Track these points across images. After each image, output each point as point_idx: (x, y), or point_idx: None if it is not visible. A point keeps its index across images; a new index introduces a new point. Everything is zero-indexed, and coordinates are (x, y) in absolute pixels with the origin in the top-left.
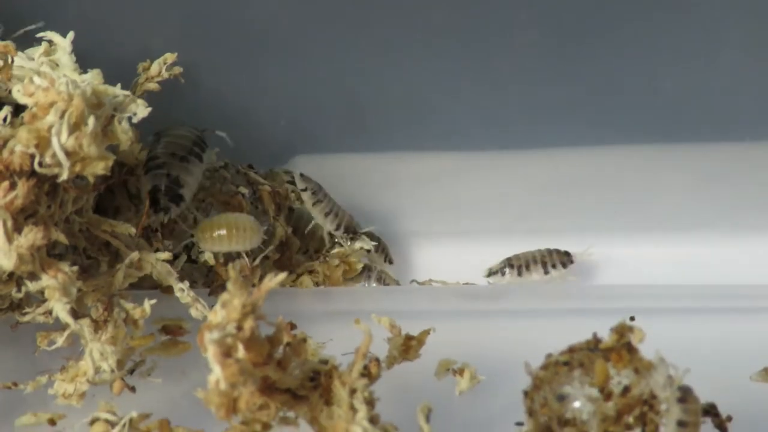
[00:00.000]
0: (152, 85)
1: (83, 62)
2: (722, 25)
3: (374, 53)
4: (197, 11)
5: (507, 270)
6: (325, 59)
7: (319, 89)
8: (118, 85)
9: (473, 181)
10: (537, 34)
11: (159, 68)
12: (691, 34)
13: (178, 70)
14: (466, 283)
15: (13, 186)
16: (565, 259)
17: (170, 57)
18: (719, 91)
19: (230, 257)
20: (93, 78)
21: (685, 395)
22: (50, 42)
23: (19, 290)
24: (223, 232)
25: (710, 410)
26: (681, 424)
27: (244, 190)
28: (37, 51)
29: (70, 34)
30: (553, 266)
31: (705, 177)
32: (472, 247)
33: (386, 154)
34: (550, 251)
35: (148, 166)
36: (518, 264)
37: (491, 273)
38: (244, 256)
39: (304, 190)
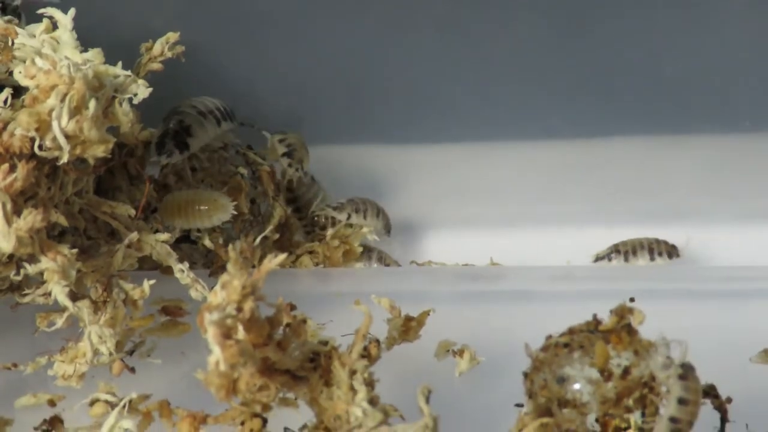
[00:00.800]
0: (155, 65)
1: (83, 40)
2: (726, 14)
3: (378, 42)
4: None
5: (614, 255)
6: (327, 48)
7: (322, 79)
8: (119, 64)
9: (477, 170)
10: (541, 23)
11: (162, 48)
12: (694, 22)
13: (180, 48)
14: (465, 264)
15: (12, 168)
16: (671, 250)
17: (172, 36)
18: (725, 79)
19: (230, 238)
20: (94, 57)
21: (687, 372)
22: (51, 18)
23: (18, 273)
24: (197, 207)
25: (710, 392)
26: (681, 401)
27: (243, 170)
28: (39, 28)
29: (71, 11)
30: (659, 254)
31: (710, 165)
32: (476, 237)
33: (389, 145)
34: (657, 240)
35: (167, 114)
36: (625, 250)
37: (598, 258)
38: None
39: (349, 216)
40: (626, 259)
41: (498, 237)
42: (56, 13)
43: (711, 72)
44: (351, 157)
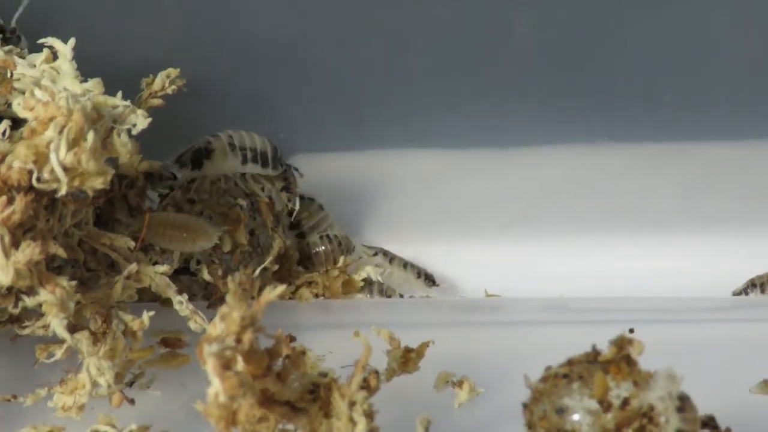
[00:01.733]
0: (156, 101)
1: (85, 71)
2: (718, 26)
3: (373, 53)
4: (198, 19)
5: (750, 289)
6: (324, 61)
7: (318, 90)
8: (119, 94)
9: (473, 179)
10: (534, 34)
11: (162, 83)
12: (687, 35)
13: (181, 82)
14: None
15: (10, 201)
16: None
17: (173, 72)
18: (717, 90)
19: (229, 270)
20: (93, 87)
21: (684, 404)
22: (51, 48)
23: (16, 306)
24: (182, 233)
25: (708, 423)
26: None
27: (242, 201)
28: (39, 58)
29: (71, 41)
30: None
31: (699, 178)
32: (471, 245)
33: (385, 152)
34: None
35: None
36: (761, 282)
37: (735, 294)
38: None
39: (376, 254)
40: (762, 291)
41: (498, 246)
42: (56, 43)
43: (707, 82)
44: (345, 166)
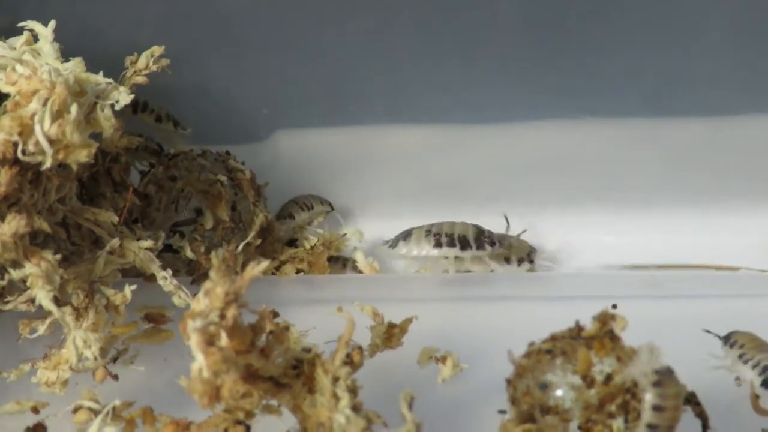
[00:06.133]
0: (140, 79)
1: (65, 53)
2: (701, 1)
3: (355, 29)
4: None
5: None
6: (306, 38)
7: (298, 64)
8: (101, 73)
9: (455, 155)
10: (518, 9)
11: (146, 61)
12: (670, 10)
13: (165, 62)
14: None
15: None
16: None
17: (157, 50)
18: (699, 65)
19: (212, 246)
20: (75, 66)
21: (663, 379)
22: (32, 31)
23: (2, 278)
24: None
25: (690, 399)
26: (657, 408)
27: (222, 177)
28: (19, 40)
29: (52, 23)
30: None
31: (682, 153)
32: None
33: (367, 128)
34: None
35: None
36: None
37: None
38: None
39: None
40: None
41: (479, 220)
42: (36, 26)
43: (689, 60)
44: (326, 142)
